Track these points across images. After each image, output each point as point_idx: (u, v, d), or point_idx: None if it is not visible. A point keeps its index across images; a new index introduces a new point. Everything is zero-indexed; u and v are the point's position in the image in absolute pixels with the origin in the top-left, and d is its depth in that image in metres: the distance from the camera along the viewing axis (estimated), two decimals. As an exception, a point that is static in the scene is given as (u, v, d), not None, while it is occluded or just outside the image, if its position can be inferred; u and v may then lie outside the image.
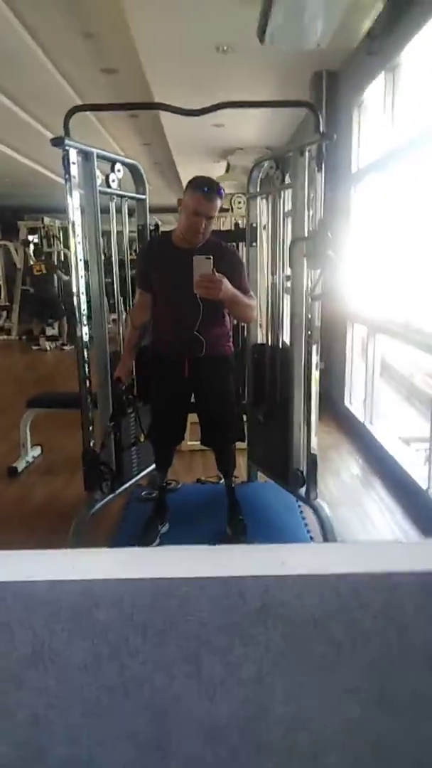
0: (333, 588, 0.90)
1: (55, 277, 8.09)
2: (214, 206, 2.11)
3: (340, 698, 0.97)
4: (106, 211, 2.52)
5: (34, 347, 7.93)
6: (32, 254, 8.70)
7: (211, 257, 2.01)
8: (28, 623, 0.91)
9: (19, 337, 8.61)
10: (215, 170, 8.11)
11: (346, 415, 4.05)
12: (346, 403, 4.11)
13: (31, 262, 8.39)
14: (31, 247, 8.90)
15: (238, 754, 0.98)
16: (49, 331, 8.09)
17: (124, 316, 2.73)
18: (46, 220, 9.07)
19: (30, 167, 7.95)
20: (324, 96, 4.09)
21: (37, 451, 3.54)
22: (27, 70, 4.69)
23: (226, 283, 2.03)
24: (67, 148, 2.15)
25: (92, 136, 5.88)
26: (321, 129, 2.19)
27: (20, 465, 3.29)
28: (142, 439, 2.63)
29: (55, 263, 8.27)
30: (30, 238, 9.03)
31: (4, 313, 9.17)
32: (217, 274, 2.00)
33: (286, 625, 0.92)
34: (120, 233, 2.66)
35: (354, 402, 4.06)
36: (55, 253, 8.62)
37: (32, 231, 9.25)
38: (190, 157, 7.71)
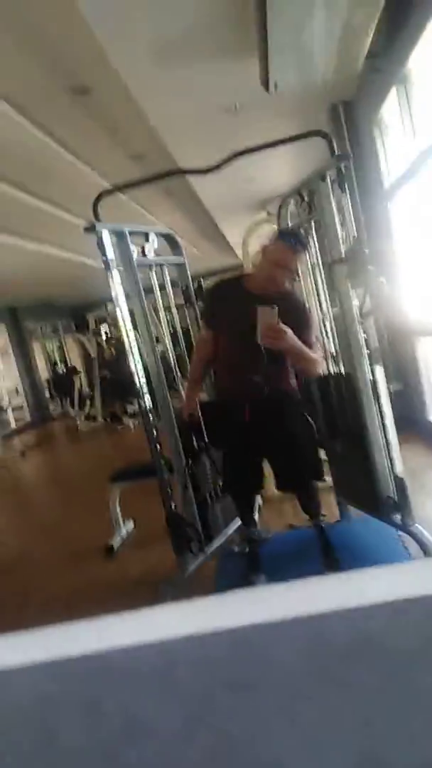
0: (430, 612, 0.81)
1: (126, 358, 8.43)
2: (298, 259, 2.16)
3: None
4: (150, 289, 2.62)
5: (120, 427, 8.21)
6: (104, 342, 9.18)
7: (276, 307, 2.01)
8: (115, 695, 0.88)
9: (104, 419, 8.96)
10: (256, 219, 8.30)
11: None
12: (429, 417, 3.88)
13: (104, 348, 8.83)
14: (103, 335, 9.41)
15: None
16: (130, 409, 8.36)
17: (182, 388, 2.76)
18: (110, 307, 9.59)
19: (85, 263, 8.50)
20: (344, 124, 4.13)
21: (131, 525, 3.57)
22: (60, 175, 5.10)
23: (291, 335, 2.02)
24: (99, 232, 2.27)
25: (134, 218, 6.25)
26: (335, 152, 2.19)
27: (115, 542, 3.33)
28: (220, 484, 2.57)
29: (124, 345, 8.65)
30: (101, 327, 9.56)
31: (88, 401, 9.61)
32: (282, 325, 2.00)
33: (383, 660, 0.83)
34: (167, 308, 2.73)
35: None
36: (123, 335, 9.03)
37: (102, 320, 9.80)
38: (231, 217, 7.96)
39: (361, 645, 0.82)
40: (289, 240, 2.13)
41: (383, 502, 2.37)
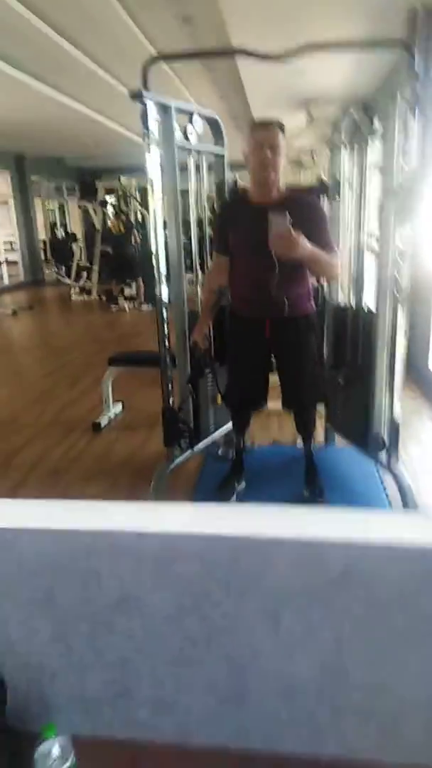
0: (421, 560, 0.87)
1: (132, 237, 8.15)
2: (274, 134, 2.04)
3: (424, 673, 0.95)
4: (184, 167, 2.48)
5: (113, 307, 8.11)
6: (110, 215, 8.80)
7: (287, 213, 1.93)
8: (116, 571, 0.95)
9: (99, 297, 8.82)
10: (295, 121, 7.78)
11: (430, 379, 3.87)
12: (431, 366, 3.93)
13: (109, 223, 8.48)
14: (110, 208, 9.00)
15: (314, 715, 0.99)
16: (127, 291, 8.22)
17: (200, 276, 2.71)
18: (123, 180, 9.10)
19: (107, 126, 7.94)
20: (420, 36, 3.76)
21: (119, 407, 3.65)
22: (104, 26, 4.62)
23: (304, 241, 1.95)
24: (145, 101, 2.11)
25: (170, 93, 5.77)
26: (416, 69, 2.02)
27: (103, 421, 3.41)
28: (219, 402, 2.64)
29: (133, 223, 8.34)
30: (108, 198, 9.12)
31: (85, 274, 9.39)
32: (294, 231, 1.92)
33: (369, 593, 0.90)
34: (198, 192, 2.61)
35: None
36: (132, 212, 8.67)
37: (110, 191, 9.33)
38: (269, 109, 7.39)
39: (353, 575, 0.89)
40: (262, 123, 2.09)
41: (372, 439, 2.45)
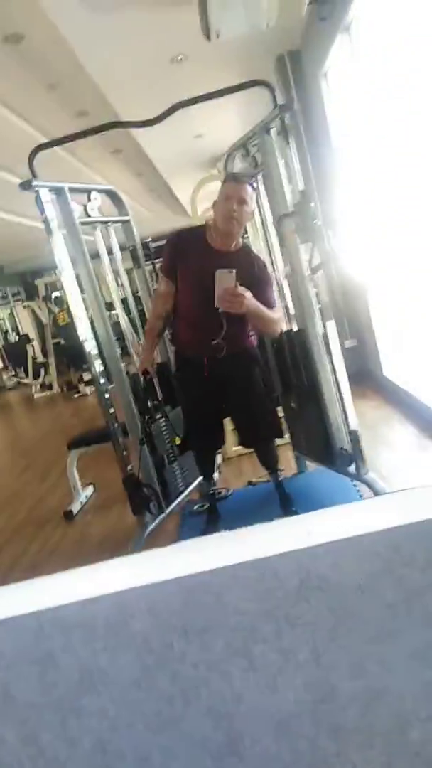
0: (370, 549, 0.84)
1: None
2: (243, 189, 2.09)
3: (410, 663, 0.90)
4: (96, 255, 2.54)
5: (76, 395, 8.11)
6: (56, 308, 8.94)
7: (234, 271, 1.99)
8: (70, 648, 0.89)
9: (60, 389, 8.83)
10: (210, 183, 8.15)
11: (387, 385, 3.91)
12: (385, 373, 3.98)
13: (57, 316, 8.60)
14: (54, 302, 9.16)
15: (316, 743, 0.92)
16: (86, 376, 8.25)
17: (135, 357, 2.73)
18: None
19: (32, 226, 8.21)
20: (290, 75, 4.04)
21: (90, 490, 3.57)
22: (7, 139, 4.86)
23: (250, 298, 2.01)
24: (36, 189, 2.18)
25: (79, 180, 6.02)
26: (277, 102, 2.15)
27: (75, 507, 3.33)
28: (177, 442, 2.58)
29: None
30: (50, 293, 9.30)
31: (42, 370, 9.43)
32: (240, 288, 1.98)
33: (331, 597, 0.86)
34: (116, 273, 2.68)
35: (394, 370, 3.92)
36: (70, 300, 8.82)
37: (52, 286, 9.53)
38: (182, 175, 7.77)
39: (309, 584, 0.85)
40: (234, 177, 2.15)
41: (337, 454, 2.43)
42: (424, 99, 2.43)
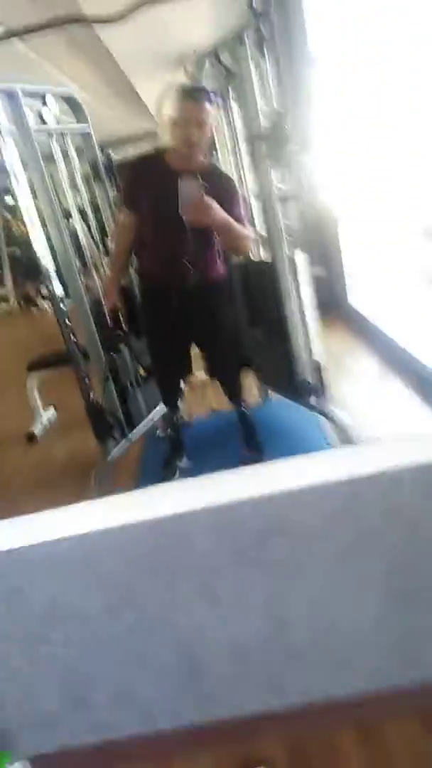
0: (332, 496, 0.87)
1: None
2: (202, 109, 1.91)
3: (364, 600, 0.96)
4: (51, 158, 2.36)
5: (34, 309, 7.87)
6: (11, 216, 8.44)
7: (199, 178, 1.88)
8: (39, 584, 0.92)
9: (18, 303, 8.53)
10: (175, 80, 7.58)
11: (353, 315, 3.93)
12: (350, 302, 3.98)
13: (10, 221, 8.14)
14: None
15: (269, 668, 1.00)
16: (45, 291, 7.97)
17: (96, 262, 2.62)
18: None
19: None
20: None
21: (51, 411, 3.56)
22: None
23: (217, 208, 1.91)
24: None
25: (36, 74, 5.49)
26: (253, 5, 1.97)
27: (37, 429, 3.32)
28: (142, 373, 2.58)
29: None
30: (5, 199, 8.74)
31: (-2, 282, 9.04)
32: (206, 198, 1.88)
33: (291, 539, 0.90)
34: (72, 177, 2.51)
35: (362, 300, 3.92)
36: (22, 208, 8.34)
37: (6, 192, 8.93)
38: (146, 72, 7.16)
39: (270, 528, 0.89)
40: (191, 94, 1.94)
41: (300, 386, 2.47)
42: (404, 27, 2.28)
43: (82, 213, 2.61)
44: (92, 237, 2.65)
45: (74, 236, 2.49)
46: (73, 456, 2.98)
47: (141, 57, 6.31)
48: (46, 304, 7.82)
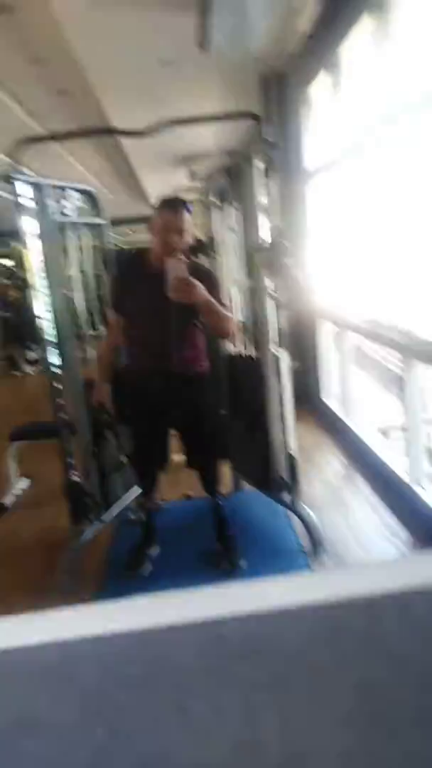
0: (312, 618, 0.91)
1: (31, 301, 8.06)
2: (181, 218, 2.12)
3: (334, 727, 0.97)
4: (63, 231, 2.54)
5: (16, 372, 7.90)
6: (5, 280, 8.66)
7: (184, 260, 2.05)
8: (7, 693, 0.91)
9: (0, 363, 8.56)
10: (178, 177, 8.10)
11: (323, 409, 4.07)
12: (323, 396, 4.13)
13: (6, 288, 8.33)
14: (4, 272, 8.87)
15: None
16: (30, 355, 8.04)
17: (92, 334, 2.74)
18: (15, 245, 9.01)
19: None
20: (274, 98, 4.10)
21: (26, 483, 3.51)
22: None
23: (201, 287, 2.04)
24: (16, 184, 2.14)
25: (53, 158, 5.86)
26: (265, 137, 2.20)
27: (8, 500, 3.27)
28: (125, 462, 2.62)
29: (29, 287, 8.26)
30: (2, 261, 8.99)
31: (-17, 341, 9.10)
32: (191, 278, 2.02)
33: (269, 660, 0.92)
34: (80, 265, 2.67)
35: (331, 395, 4.08)
36: (30, 276, 8.57)
37: (3, 257, 9.21)
38: (151, 167, 7.71)
39: (252, 647, 0.91)
40: (168, 205, 2.15)
41: (275, 482, 2.52)
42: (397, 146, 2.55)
43: (85, 290, 2.74)
44: (90, 313, 2.78)
45: (73, 311, 2.60)
46: (43, 533, 2.92)
47: (150, 155, 6.80)
48: (29, 369, 7.86)
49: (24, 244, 2.27)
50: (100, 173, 8.63)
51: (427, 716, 0.90)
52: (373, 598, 0.88)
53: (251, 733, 0.95)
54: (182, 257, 2.11)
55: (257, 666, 0.91)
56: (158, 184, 8.66)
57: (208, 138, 6.21)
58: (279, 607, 0.91)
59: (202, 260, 3.01)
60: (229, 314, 2.26)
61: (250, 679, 0.92)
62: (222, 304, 2.20)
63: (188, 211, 2.15)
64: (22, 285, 8.18)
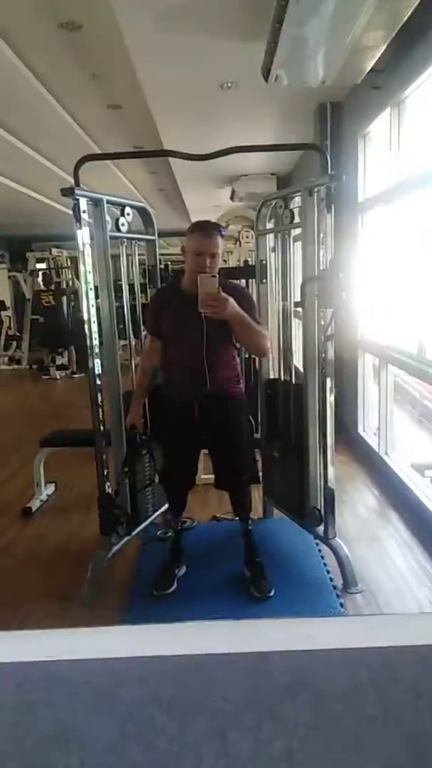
0: (362, 662, 0.88)
1: (64, 306, 8.17)
2: (214, 243, 2.14)
3: None
4: (116, 252, 2.57)
5: (45, 376, 7.98)
6: (41, 284, 8.81)
7: (217, 275, 2.06)
8: (52, 703, 0.90)
9: (29, 366, 8.68)
10: (220, 196, 8.18)
11: (360, 443, 4.02)
12: (360, 430, 4.09)
13: (41, 292, 8.48)
14: (40, 276, 9.01)
15: None
16: (59, 360, 8.14)
17: (134, 343, 2.78)
18: (54, 251, 9.18)
19: (37, 199, 8.07)
20: (329, 127, 4.13)
21: (51, 488, 3.53)
22: (34, 111, 4.80)
23: (232, 302, 2.05)
24: (77, 197, 2.18)
25: (98, 169, 5.97)
26: (330, 171, 2.21)
27: (34, 504, 3.28)
28: (156, 481, 2.63)
29: (65, 292, 8.39)
30: (39, 266, 9.14)
31: (14, 343, 9.24)
32: (223, 293, 2.03)
33: (316, 700, 0.90)
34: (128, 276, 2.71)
35: (367, 429, 4.03)
36: (64, 282, 8.71)
37: (40, 261, 9.36)
38: (195, 184, 7.80)
39: (298, 684, 0.89)
40: (201, 229, 2.18)
41: (309, 513, 2.49)
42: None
43: (132, 305, 2.77)
44: (134, 322, 2.81)
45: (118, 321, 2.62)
46: (68, 540, 2.92)
47: (195, 173, 6.89)
48: (57, 373, 7.94)
49: (79, 254, 2.30)
50: (144, 187, 8.76)
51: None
52: (425, 647, 0.86)
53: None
54: (215, 275, 2.13)
55: (303, 705, 0.89)
56: (200, 200, 8.76)
57: (253, 160, 6.28)
58: (330, 648, 0.89)
59: (250, 284, 3.04)
60: (263, 331, 2.26)
61: (294, 718, 0.90)
62: (256, 320, 2.20)
63: (221, 235, 2.18)
64: (57, 290, 8.30)
